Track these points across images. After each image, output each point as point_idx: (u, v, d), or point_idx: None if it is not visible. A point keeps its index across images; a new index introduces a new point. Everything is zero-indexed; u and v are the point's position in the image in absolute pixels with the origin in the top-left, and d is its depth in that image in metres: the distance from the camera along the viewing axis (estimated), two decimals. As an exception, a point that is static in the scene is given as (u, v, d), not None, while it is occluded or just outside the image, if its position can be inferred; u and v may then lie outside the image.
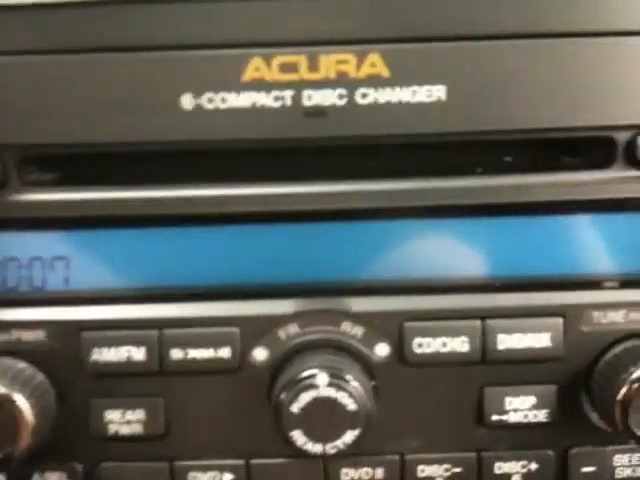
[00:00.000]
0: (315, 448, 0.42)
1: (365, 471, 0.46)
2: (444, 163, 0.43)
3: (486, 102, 0.41)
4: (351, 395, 0.41)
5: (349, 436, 0.41)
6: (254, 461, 0.46)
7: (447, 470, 0.46)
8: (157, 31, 0.40)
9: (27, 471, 0.47)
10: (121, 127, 0.41)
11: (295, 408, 0.41)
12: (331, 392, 0.41)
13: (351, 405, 0.41)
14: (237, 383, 0.45)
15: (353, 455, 0.45)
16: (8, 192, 0.42)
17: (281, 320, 0.44)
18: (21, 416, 0.42)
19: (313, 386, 0.41)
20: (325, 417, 0.41)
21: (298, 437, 0.41)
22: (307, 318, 0.44)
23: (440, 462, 0.46)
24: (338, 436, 0.41)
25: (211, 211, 0.43)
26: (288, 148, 0.42)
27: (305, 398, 0.41)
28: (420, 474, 0.46)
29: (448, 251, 0.44)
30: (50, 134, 0.41)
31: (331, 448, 0.41)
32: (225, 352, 0.44)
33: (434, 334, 0.44)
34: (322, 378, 0.41)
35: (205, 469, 0.46)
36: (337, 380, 0.41)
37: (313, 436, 0.41)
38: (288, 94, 0.40)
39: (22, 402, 0.42)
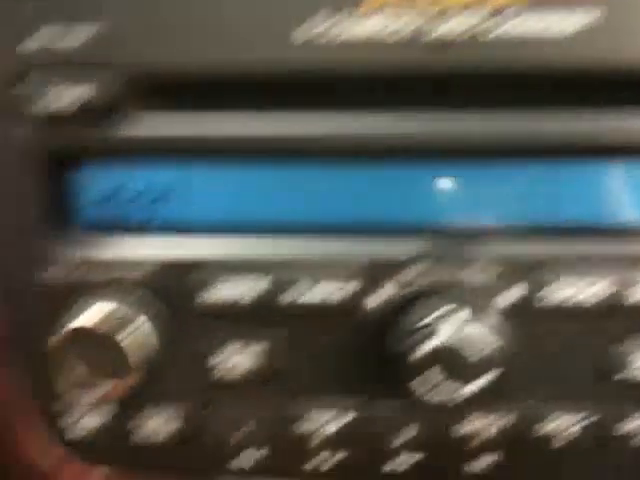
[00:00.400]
0: (452, 388, 0.39)
1: (493, 417, 0.44)
2: (584, 97, 0.41)
3: None
4: (492, 334, 0.39)
5: (487, 377, 0.39)
6: (377, 402, 0.43)
7: (574, 423, 0.44)
8: None
9: (131, 413, 0.44)
10: (238, 54, 0.39)
11: (433, 345, 0.38)
12: (472, 330, 0.38)
13: (490, 345, 0.39)
14: (359, 325, 0.42)
15: (480, 402, 0.42)
16: (124, 115, 0.40)
17: (414, 259, 0.41)
18: (125, 355, 0.40)
19: (453, 322, 0.39)
20: (462, 356, 0.39)
21: (435, 375, 0.39)
22: (441, 260, 0.42)
23: (567, 414, 0.44)
24: (476, 376, 0.39)
25: (334, 145, 0.40)
26: (412, 81, 0.39)
27: (444, 334, 0.38)
28: (548, 425, 0.44)
29: (587, 195, 0.42)
30: (167, 58, 0.39)
31: (467, 389, 0.39)
32: (351, 289, 0.41)
33: (570, 280, 0.41)
34: (463, 314, 0.39)
35: (324, 408, 0.43)
36: (478, 317, 0.39)
37: (451, 375, 0.39)
38: (411, 24, 0.38)
39: (127, 339, 0.40)
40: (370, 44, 0.39)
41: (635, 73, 0.39)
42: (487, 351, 0.39)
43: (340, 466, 0.44)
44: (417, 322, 0.40)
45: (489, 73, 0.40)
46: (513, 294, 0.42)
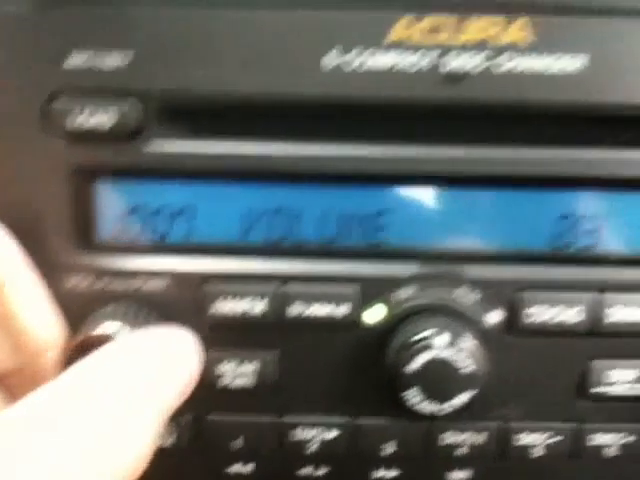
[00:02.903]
0: (429, 408, 0.43)
1: (467, 435, 0.48)
2: (570, 134, 0.44)
3: (627, 75, 0.41)
4: (468, 357, 0.42)
5: (463, 397, 0.43)
6: (361, 420, 0.48)
7: (547, 439, 0.48)
8: None
9: None
10: (263, 82, 0.42)
11: (413, 367, 0.42)
12: (448, 353, 0.42)
13: (467, 368, 0.42)
14: (352, 341, 0.46)
15: (456, 420, 0.46)
16: (145, 140, 0.43)
17: (400, 281, 0.45)
18: None
19: (431, 347, 0.42)
20: (441, 378, 0.42)
21: (413, 396, 0.43)
22: (425, 281, 0.45)
23: (541, 431, 0.48)
24: (452, 397, 0.43)
25: (340, 169, 0.44)
26: (425, 111, 0.42)
27: (423, 358, 0.42)
28: (521, 441, 0.48)
29: (565, 223, 0.45)
30: (193, 83, 0.42)
31: (444, 409, 0.43)
32: (344, 309, 0.45)
33: (548, 304, 0.45)
34: (441, 339, 0.42)
35: (312, 425, 0.48)
36: (456, 342, 0.42)
37: (428, 396, 0.43)
38: (431, 56, 0.41)
39: None
40: (392, 73, 0.42)
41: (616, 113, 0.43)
42: (470, 369, 0.42)
43: None
44: (414, 335, 0.43)
45: (484, 108, 0.43)
46: (493, 317, 0.45)
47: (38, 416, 0.30)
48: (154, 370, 0.36)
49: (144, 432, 0.32)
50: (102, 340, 0.41)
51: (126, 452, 0.31)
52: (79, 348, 0.42)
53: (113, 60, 0.42)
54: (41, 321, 0.44)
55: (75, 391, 0.32)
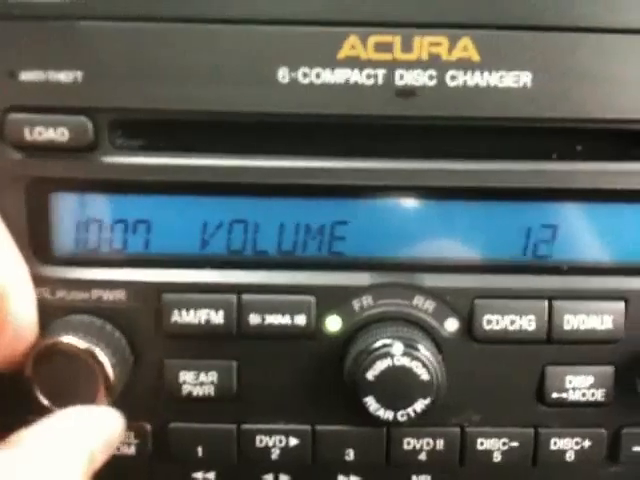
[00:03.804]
0: (386, 415, 0.43)
1: (426, 441, 0.48)
2: (519, 147, 0.45)
3: (569, 91, 0.42)
4: (424, 365, 0.43)
5: (420, 405, 0.43)
6: (319, 427, 0.48)
7: (505, 444, 0.48)
8: (259, 5, 0.41)
9: None
10: (217, 97, 0.42)
11: (370, 375, 0.43)
12: (406, 361, 0.43)
13: (424, 375, 0.43)
14: (309, 350, 0.46)
15: (415, 426, 0.47)
16: (98, 154, 0.43)
17: (356, 291, 0.46)
18: (102, 371, 0.43)
19: (389, 355, 0.43)
20: (398, 385, 0.43)
21: (371, 403, 0.43)
22: (381, 291, 0.46)
23: (499, 436, 0.48)
24: (409, 404, 0.43)
25: (295, 182, 0.44)
26: (377, 126, 0.43)
27: (380, 366, 0.43)
28: (479, 447, 0.48)
29: (519, 233, 0.46)
30: (145, 100, 0.42)
31: (402, 415, 0.43)
32: (301, 319, 0.45)
33: (503, 312, 0.45)
34: (397, 348, 0.43)
35: (271, 433, 0.48)
36: (411, 350, 0.43)
37: (385, 403, 0.43)
38: (381, 73, 0.42)
39: (103, 357, 0.43)
40: (343, 89, 0.42)
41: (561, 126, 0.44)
42: (427, 376, 0.43)
43: None
44: (372, 344, 0.44)
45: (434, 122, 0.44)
46: (450, 325, 0.46)
47: None
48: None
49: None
50: (67, 347, 0.42)
51: None
52: (45, 352, 0.43)
53: (64, 78, 0.42)
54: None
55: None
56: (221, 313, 0.45)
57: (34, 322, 0.44)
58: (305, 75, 0.42)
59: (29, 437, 0.39)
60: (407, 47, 0.41)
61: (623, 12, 0.42)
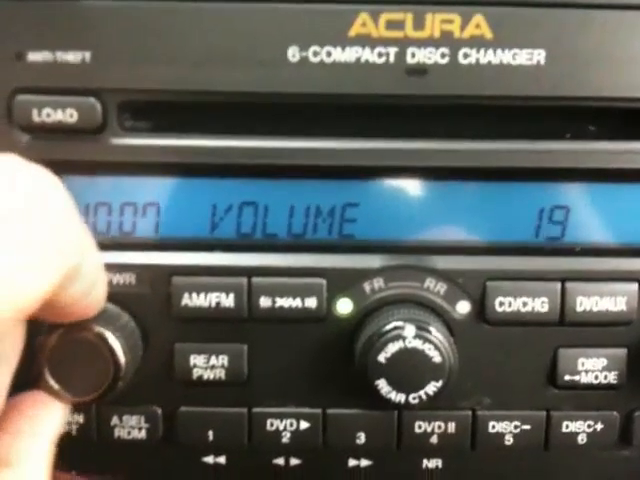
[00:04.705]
0: (398, 397, 0.43)
1: (437, 425, 0.48)
2: (532, 127, 0.44)
3: (583, 69, 0.42)
4: (436, 347, 0.42)
5: (431, 387, 0.43)
6: (330, 411, 0.48)
7: (516, 427, 0.48)
8: None
9: (106, 414, 0.48)
10: (226, 78, 0.42)
11: (382, 358, 0.42)
12: (417, 344, 0.42)
13: (436, 357, 0.42)
14: (320, 333, 0.46)
15: (427, 409, 0.46)
16: (107, 136, 0.43)
17: (367, 274, 0.45)
18: (114, 355, 0.43)
19: (400, 337, 0.42)
20: (410, 368, 0.43)
21: (383, 386, 0.43)
22: (392, 273, 0.45)
23: (510, 419, 0.48)
24: (421, 387, 0.43)
25: (305, 163, 0.44)
26: (388, 105, 0.43)
27: (392, 348, 0.42)
28: (490, 430, 0.48)
29: (531, 215, 0.46)
30: (154, 81, 0.42)
31: (413, 398, 0.43)
32: (311, 302, 0.45)
33: (515, 294, 0.45)
34: (409, 330, 0.43)
35: (282, 417, 0.48)
36: (423, 332, 0.43)
37: (397, 386, 0.43)
38: (392, 51, 0.41)
39: (114, 341, 0.43)
40: (354, 67, 0.42)
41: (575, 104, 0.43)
42: (439, 358, 0.42)
43: (293, 473, 0.49)
44: (383, 327, 0.43)
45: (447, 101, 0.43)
46: (462, 307, 0.46)
47: None
48: None
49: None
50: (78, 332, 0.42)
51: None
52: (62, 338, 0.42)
53: (72, 58, 0.42)
54: None
55: None
56: (231, 296, 0.45)
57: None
58: (316, 54, 0.41)
59: None
60: (419, 25, 0.41)
61: None
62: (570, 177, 0.45)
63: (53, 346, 0.42)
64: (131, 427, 0.48)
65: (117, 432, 0.48)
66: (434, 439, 0.48)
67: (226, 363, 0.46)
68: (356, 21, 0.41)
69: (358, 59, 0.41)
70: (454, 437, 0.48)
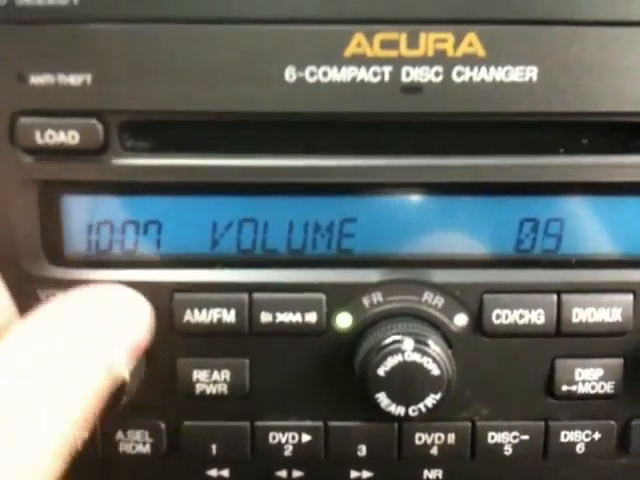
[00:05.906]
0: (398, 410, 0.44)
1: (437, 436, 0.48)
2: (526, 142, 0.45)
3: (575, 84, 0.42)
4: (435, 360, 0.43)
5: (431, 400, 0.44)
6: (332, 423, 0.48)
7: (515, 437, 0.49)
8: (264, 5, 0.41)
9: (110, 428, 0.49)
10: (224, 97, 0.42)
11: (381, 371, 0.43)
12: (416, 357, 0.43)
13: (435, 370, 0.43)
14: (320, 347, 0.47)
15: (427, 420, 0.47)
16: (108, 156, 0.44)
17: (366, 288, 0.46)
18: None
19: (399, 351, 0.43)
20: (409, 381, 0.43)
21: (383, 399, 0.44)
22: (390, 287, 0.46)
23: (509, 430, 0.48)
24: (421, 399, 0.44)
25: (303, 181, 0.44)
26: (384, 123, 0.43)
27: (391, 362, 0.43)
28: (490, 440, 0.49)
29: (527, 228, 0.46)
30: (154, 101, 0.43)
31: (413, 411, 0.44)
32: (311, 317, 0.46)
33: (512, 306, 0.46)
34: (408, 343, 0.43)
35: (284, 430, 0.48)
36: (422, 346, 0.43)
37: (396, 399, 0.44)
38: (387, 70, 0.42)
39: None
40: (350, 87, 0.42)
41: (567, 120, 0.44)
42: (438, 371, 0.43)
43: None
44: (382, 340, 0.44)
45: (442, 118, 0.44)
46: (460, 320, 0.46)
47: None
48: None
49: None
50: None
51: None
52: None
53: (73, 81, 0.42)
54: None
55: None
56: (233, 312, 0.46)
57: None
58: (312, 74, 0.42)
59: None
60: (413, 44, 0.42)
61: (628, 5, 0.42)
62: (565, 190, 0.46)
63: None
64: (135, 442, 0.49)
65: (122, 447, 0.49)
66: (434, 450, 0.49)
67: (228, 378, 0.47)
68: (351, 41, 0.42)
69: (354, 78, 0.42)
70: (454, 448, 0.49)
